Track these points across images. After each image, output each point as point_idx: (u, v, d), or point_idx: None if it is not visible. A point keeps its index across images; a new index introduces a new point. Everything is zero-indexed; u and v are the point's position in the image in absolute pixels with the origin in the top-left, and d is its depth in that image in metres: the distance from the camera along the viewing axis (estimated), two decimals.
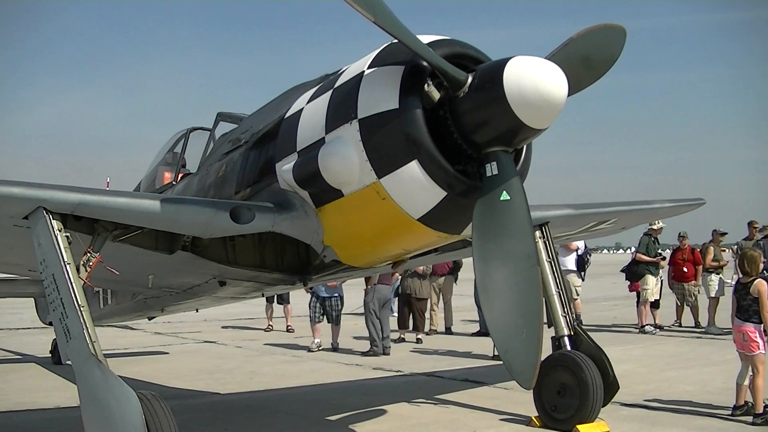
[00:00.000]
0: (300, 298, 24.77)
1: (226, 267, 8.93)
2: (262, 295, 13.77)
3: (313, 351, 19.32)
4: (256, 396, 13.63)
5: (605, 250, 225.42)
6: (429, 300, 22.83)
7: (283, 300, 24.21)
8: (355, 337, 21.15)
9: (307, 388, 14.30)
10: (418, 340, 21.35)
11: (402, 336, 21.73)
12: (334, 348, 19.44)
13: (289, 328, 24.27)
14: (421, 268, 20.85)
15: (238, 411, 12.22)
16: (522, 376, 6.68)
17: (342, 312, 20.25)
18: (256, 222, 7.83)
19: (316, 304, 19.85)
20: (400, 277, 21.54)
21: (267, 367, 15.55)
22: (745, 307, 10.73)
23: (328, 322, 19.94)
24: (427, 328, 23.20)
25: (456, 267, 23.78)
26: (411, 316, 22.10)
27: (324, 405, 12.23)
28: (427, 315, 23.56)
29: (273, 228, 7.96)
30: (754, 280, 10.78)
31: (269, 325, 24.62)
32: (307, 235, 8.10)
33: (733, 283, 11.75)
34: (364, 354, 18.73)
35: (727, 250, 23.88)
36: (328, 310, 19.83)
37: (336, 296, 19.81)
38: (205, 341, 21.96)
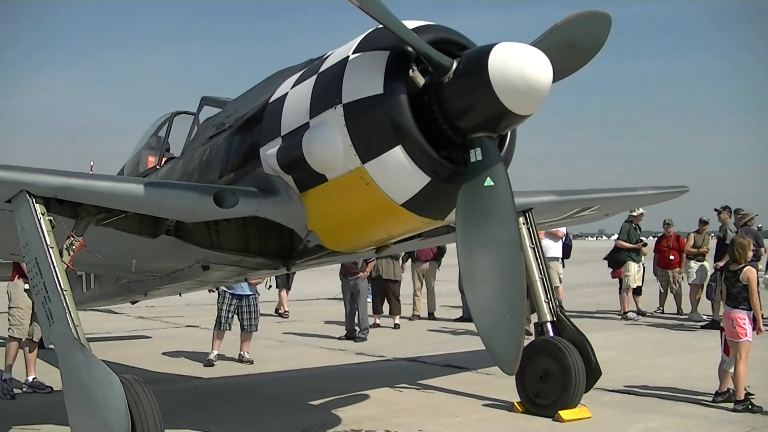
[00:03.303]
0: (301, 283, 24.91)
1: (210, 251, 8.91)
2: (245, 280, 13.74)
3: (213, 365, 15.09)
4: (239, 381, 13.64)
5: (589, 237, 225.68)
6: (404, 283, 22.70)
7: (284, 284, 24.25)
8: (336, 322, 21.06)
9: (291, 373, 14.33)
10: (396, 326, 21.31)
11: (377, 321, 21.56)
12: (241, 360, 15.48)
13: (285, 312, 24.17)
14: None
15: (221, 396, 12.22)
16: (505, 362, 6.69)
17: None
18: (240, 207, 7.82)
19: (230, 305, 15.48)
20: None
21: (250, 352, 15.52)
22: (735, 294, 10.79)
23: (242, 329, 15.66)
24: (410, 314, 23.25)
25: (440, 253, 23.78)
26: (387, 300, 22.02)
27: (307, 390, 12.23)
28: (410, 301, 23.60)
29: (257, 213, 7.96)
30: (744, 267, 10.83)
31: None
32: (291, 220, 8.09)
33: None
34: (339, 339, 18.80)
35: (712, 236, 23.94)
36: (241, 311, 15.52)
37: (253, 294, 15.65)
38: (188, 326, 21.88)
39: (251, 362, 15.33)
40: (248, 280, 14.42)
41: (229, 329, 15.59)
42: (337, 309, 21.62)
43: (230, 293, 15.45)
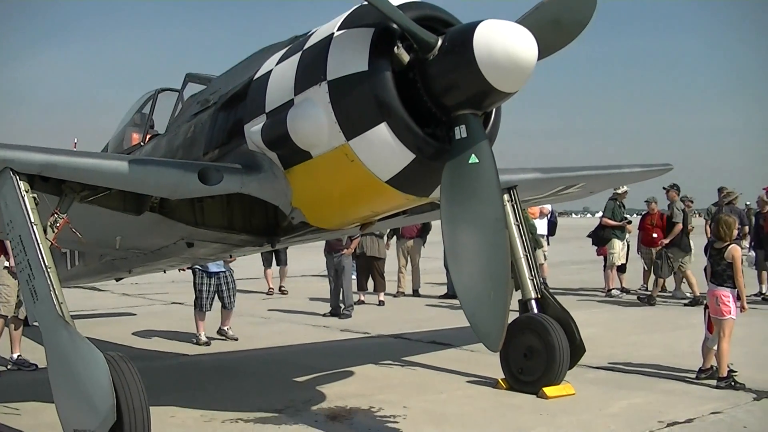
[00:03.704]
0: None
1: (194, 228, 8.90)
2: (229, 256, 13.75)
3: (200, 344, 14.93)
4: (223, 357, 13.65)
5: (573, 215, 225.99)
6: (389, 260, 22.72)
7: (281, 261, 24.36)
8: (321, 299, 21.06)
9: (275, 350, 14.34)
10: (381, 303, 21.37)
11: (361, 298, 21.65)
12: (225, 336, 15.56)
13: (270, 290, 24.27)
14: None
15: (205, 373, 12.24)
16: (489, 338, 6.69)
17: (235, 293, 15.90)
18: (224, 183, 7.80)
19: (210, 284, 15.26)
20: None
21: (234, 329, 15.54)
22: (719, 272, 10.83)
23: (224, 307, 15.56)
24: (394, 291, 23.30)
25: (424, 230, 23.83)
26: (371, 277, 22.01)
27: (292, 366, 12.27)
28: (394, 278, 23.64)
29: (241, 189, 7.94)
30: (729, 245, 10.87)
31: None
32: (275, 196, 8.08)
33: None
34: (324, 315, 18.86)
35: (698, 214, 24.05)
36: (220, 290, 15.34)
37: (227, 271, 15.45)
38: (173, 302, 21.91)
39: (236, 339, 15.39)
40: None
41: (209, 310, 15.35)
42: (322, 286, 21.64)
43: (206, 273, 15.19)
